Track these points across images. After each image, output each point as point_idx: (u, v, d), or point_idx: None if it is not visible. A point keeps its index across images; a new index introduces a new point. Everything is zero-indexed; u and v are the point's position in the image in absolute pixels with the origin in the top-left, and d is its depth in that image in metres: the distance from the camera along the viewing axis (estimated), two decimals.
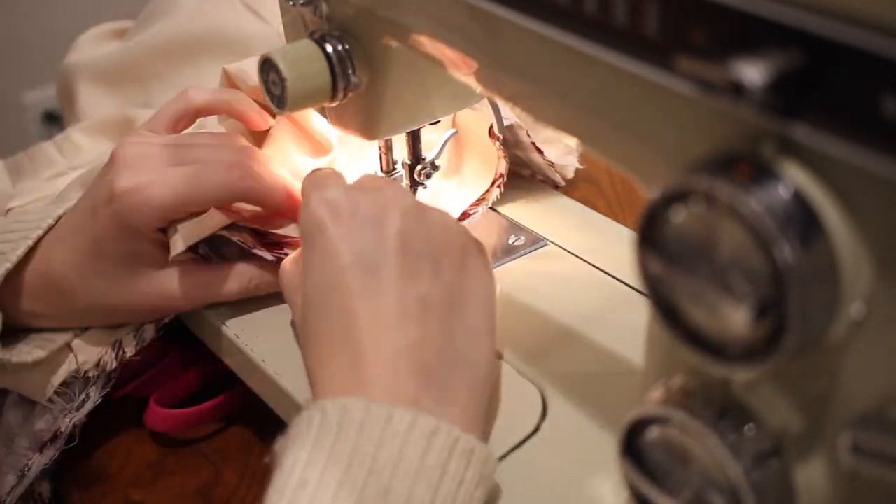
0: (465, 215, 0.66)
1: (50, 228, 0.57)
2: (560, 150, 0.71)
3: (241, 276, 0.59)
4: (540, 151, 0.69)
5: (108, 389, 0.59)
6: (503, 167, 0.67)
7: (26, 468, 0.57)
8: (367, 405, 0.41)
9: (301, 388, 0.55)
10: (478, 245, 0.51)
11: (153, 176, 0.55)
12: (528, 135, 0.68)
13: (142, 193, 0.55)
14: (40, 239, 0.57)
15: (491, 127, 0.66)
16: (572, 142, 0.72)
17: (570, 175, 0.72)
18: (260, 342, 0.58)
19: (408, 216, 0.48)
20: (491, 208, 0.69)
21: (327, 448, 0.40)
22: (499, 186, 0.67)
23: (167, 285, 0.58)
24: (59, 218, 0.58)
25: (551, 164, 0.70)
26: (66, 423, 0.58)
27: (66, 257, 0.57)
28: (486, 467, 0.43)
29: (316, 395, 0.46)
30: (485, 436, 0.48)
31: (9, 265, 0.55)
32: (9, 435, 0.58)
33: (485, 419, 0.48)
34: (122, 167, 0.56)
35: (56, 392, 0.57)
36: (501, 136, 0.66)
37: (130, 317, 0.60)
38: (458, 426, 0.43)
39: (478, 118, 0.67)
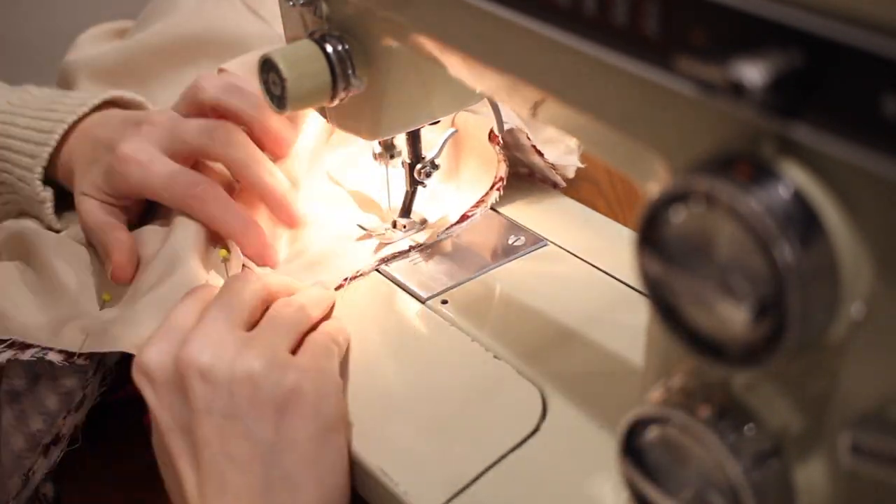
0: (464, 217, 0.66)
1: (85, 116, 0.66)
2: (561, 150, 0.71)
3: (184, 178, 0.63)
4: (540, 154, 0.69)
5: (105, 388, 0.59)
6: (503, 171, 0.67)
7: (30, 472, 0.57)
8: None
9: None
10: (297, 388, 0.49)
11: (152, 159, 0.63)
12: (529, 138, 0.68)
13: (128, 166, 0.62)
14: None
15: (491, 131, 0.66)
16: (572, 142, 0.72)
17: (571, 175, 0.72)
18: None
19: (205, 377, 0.48)
20: (491, 208, 0.69)
21: None
22: (498, 189, 0.67)
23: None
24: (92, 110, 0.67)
25: (552, 166, 0.70)
26: (67, 425, 0.58)
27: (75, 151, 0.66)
28: None
29: None
30: None
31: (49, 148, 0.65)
32: (6, 433, 0.58)
33: None
34: (135, 134, 0.63)
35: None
36: (501, 140, 0.66)
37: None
38: None
39: (477, 122, 0.67)
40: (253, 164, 0.63)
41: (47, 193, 0.66)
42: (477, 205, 0.67)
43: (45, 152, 0.65)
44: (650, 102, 0.35)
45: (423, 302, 0.61)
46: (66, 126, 0.66)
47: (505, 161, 0.67)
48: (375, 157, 0.64)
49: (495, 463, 0.49)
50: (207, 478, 0.47)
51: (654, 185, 0.38)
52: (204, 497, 0.47)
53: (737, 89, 0.28)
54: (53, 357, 0.55)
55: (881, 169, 0.28)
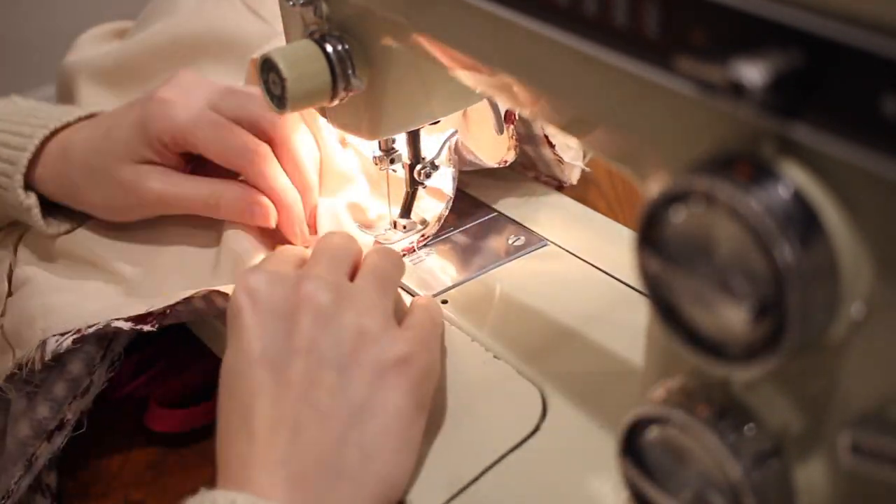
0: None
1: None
2: (569, 155, 0.71)
3: (209, 188, 0.63)
4: (552, 145, 0.69)
5: (112, 373, 0.59)
6: (511, 156, 0.68)
7: (34, 457, 0.57)
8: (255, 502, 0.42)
9: None
10: (406, 358, 0.48)
11: (191, 104, 0.62)
12: (542, 128, 0.68)
13: (171, 108, 0.61)
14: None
15: (508, 110, 0.66)
16: (573, 142, 0.72)
17: (574, 181, 0.72)
18: None
19: (319, 319, 0.47)
20: (491, 208, 0.69)
21: None
22: (503, 164, 0.68)
23: (145, 180, 0.63)
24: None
25: (560, 160, 0.70)
26: (73, 410, 0.58)
27: (85, 134, 0.64)
28: None
29: (218, 473, 0.46)
30: None
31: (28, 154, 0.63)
32: (13, 419, 0.58)
33: None
34: (176, 84, 0.63)
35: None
36: (510, 131, 0.67)
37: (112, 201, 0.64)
38: None
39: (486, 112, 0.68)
40: (276, 182, 0.62)
41: (31, 200, 0.65)
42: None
43: (24, 157, 0.64)
44: (650, 102, 0.35)
45: None
46: (46, 132, 0.64)
47: (515, 148, 0.67)
48: (375, 161, 0.64)
49: (495, 463, 0.49)
50: (283, 420, 0.45)
51: (654, 185, 0.38)
52: (274, 439, 0.45)
53: (737, 89, 0.28)
54: (121, 324, 0.56)
55: (881, 169, 0.28)
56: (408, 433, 0.47)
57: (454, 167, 0.66)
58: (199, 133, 0.61)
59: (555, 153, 0.69)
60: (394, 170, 0.65)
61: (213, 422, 0.56)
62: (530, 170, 0.73)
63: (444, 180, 0.66)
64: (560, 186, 0.72)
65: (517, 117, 0.66)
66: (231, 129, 0.61)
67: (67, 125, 0.66)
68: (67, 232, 0.67)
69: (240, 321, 0.48)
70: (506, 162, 0.68)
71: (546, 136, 0.69)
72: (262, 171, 0.61)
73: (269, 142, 0.63)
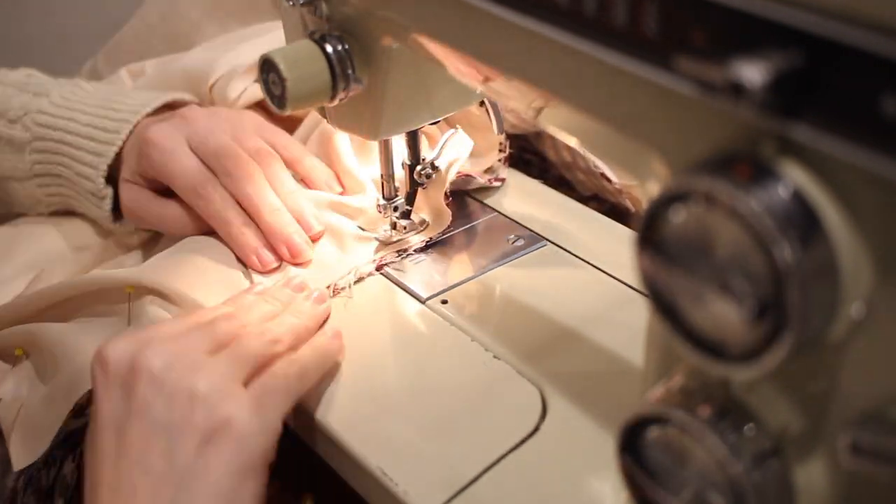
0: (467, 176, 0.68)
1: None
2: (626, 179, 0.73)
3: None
4: (608, 180, 0.70)
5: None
6: (501, 172, 0.69)
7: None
8: None
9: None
10: (228, 422, 0.48)
11: (172, 146, 0.66)
12: (596, 165, 0.70)
13: (152, 149, 0.65)
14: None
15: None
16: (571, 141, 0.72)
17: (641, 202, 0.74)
18: None
19: (153, 383, 0.48)
20: (491, 208, 0.69)
21: None
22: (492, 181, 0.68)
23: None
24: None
25: (620, 190, 0.71)
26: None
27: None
28: None
29: None
30: None
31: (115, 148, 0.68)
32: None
33: None
34: (167, 122, 0.67)
35: None
36: (505, 138, 0.67)
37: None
38: None
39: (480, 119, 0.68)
40: (259, 202, 0.64)
41: (108, 190, 0.69)
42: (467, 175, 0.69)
43: (112, 151, 0.68)
44: (650, 102, 0.35)
45: (423, 302, 0.61)
46: (130, 126, 0.68)
47: (504, 161, 0.68)
48: (379, 209, 0.65)
49: (495, 463, 0.49)
50: (122, 483, 0.47)
51: (654, 185, 0.38)
52: (114, 502, 0.47)
53: (737, 89, 0.28)
54: None
55: (881, 169, 0.28)
56: (238, 497, 0.48)
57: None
58: (173, 177, 0.66)
59: (612, 185, 0.70)
60: (396, 217, 0.65)
61: None
62: (588, 190, 0.74)
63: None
64: (627, 212, 0.73)
65: (502, 130, 0.66)
66: (198, 172, 0.65)
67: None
68: (128, 230, 0.71)
69: (94, 391, 0.50)
70: (494, 179, 0.69)
71: (602, 173, 0.70)
72: (211, 213, 0.65)
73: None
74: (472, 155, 0.70)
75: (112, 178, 0.69)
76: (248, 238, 0.63)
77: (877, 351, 0.31)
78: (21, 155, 0.71)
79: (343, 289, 0.62)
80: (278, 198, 0.65)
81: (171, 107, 0.71)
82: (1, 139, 0.71)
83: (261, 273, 0.63)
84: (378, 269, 0.64)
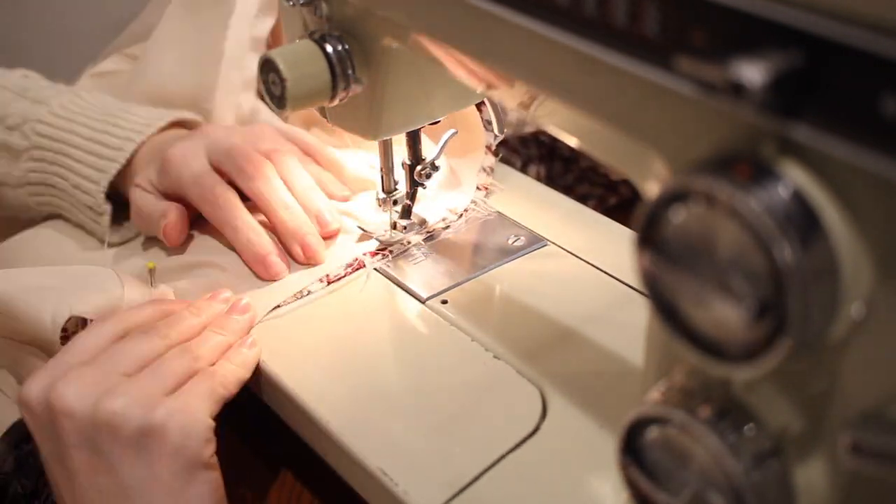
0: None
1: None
2: None
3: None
4: None
5: None
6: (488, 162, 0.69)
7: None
8: None
9: (300, 389, 0.55)
10: (155, 428, 0.49)
11: (191, 156, 0.66)
12: None
13: (172, 163, 0.65)
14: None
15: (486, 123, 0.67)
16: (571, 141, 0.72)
17: None
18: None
19: (72, 417, 0.50)
20: (491, 208, 0.69)
21: None
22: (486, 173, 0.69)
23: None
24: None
25: None
26: None
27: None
28: None
29: None
30: None
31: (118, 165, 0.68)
32: None
33: None
34: (188, 139, 0.67)
35: None
36: (498, 136, 0.67)
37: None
38: None
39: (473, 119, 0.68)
40: (271, 200, 0.64)
41: (108, 206, 0.68)
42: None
43: (114, 168, 0.68)
44: (650, 102, 0.35)
45: (423, 302, 0.61)
46: (134, 145, 0.68)
47: (491, 153, 0.69)
48: (378, 203, 0.65)
49: (495, 463, 0.49)
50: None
51: (654, 185, 0.38)
52: None
53: (737, 89, 0.28)
54: None
55: (881, 169, 0.28)
56: (189, 494, 0.50)
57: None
58: (186, 185, 0.65)
59: None
60: (397, 211, 0.65)
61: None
62: (624, 183, 0.75)
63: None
64: None
65: (502, 130, 0.67)
66: (208, 178, 0.65)
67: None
68: (127, 241, 0.70)
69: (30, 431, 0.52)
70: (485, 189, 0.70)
71: None
72: (220, 218, 0.65)
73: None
74: (468, 152, 0.70)
75: (110, 192, 0.69)
76: (257, 246, 0.63)
77: (877, 351, 0.31)
78: (16, 162, 0.71)
79: (339, 277, 0.62)
80: (293, 195, 0.65)
81: (178, 124, 0.72)
82: None
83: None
84: (377, 268, 0.64)
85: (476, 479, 0.48)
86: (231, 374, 0.55)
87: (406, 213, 0.66)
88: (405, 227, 0.66)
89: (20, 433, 0.57)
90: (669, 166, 0.35)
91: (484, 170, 0.69)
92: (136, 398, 0.50)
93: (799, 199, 0.30)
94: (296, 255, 0.64)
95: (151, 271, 0.62)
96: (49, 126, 0.70)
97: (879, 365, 0.31)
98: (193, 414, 0.51)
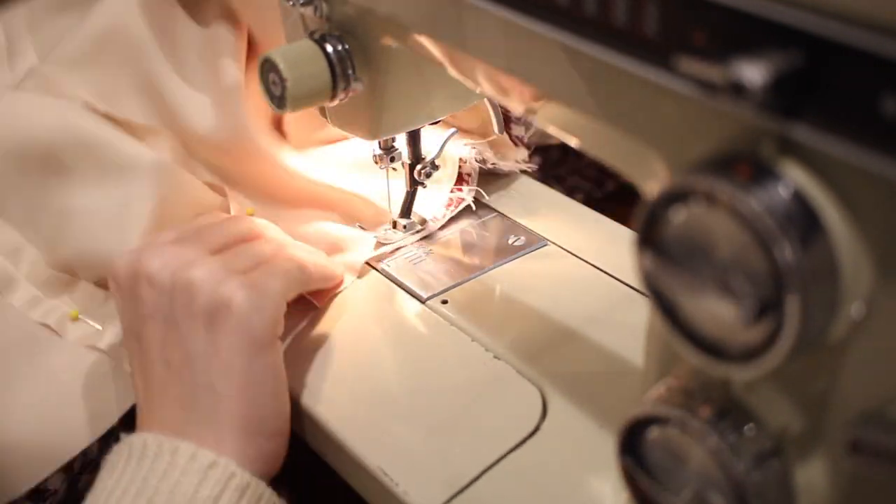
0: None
1: None
2: None
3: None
4: None
5: None
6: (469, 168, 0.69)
7: None
8: (160, 441, 0.48)
9: (300, 389, 0.55)
10: (226, 302, 0.50)
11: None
12: None
13: None
14: None
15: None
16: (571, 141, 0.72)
17: None
18: None
19: (152, 283, 0.51)
20: (491, 208, 0.69)
21: (124, 479, 0.47)
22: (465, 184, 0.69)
23: None
24: None
25: None
26: None
27: None
28: (261, 502, 0.48)
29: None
30: (265, 475, 0.50)
31: None
32: None
33: (266, 461, 0.50)
34: None
35: None
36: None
37: None
38: (236, 461, 0.47)
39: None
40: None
41: None
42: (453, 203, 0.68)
43: None
44: (650, 102, 0.35)
45: (423, 302, 0.61)
46: None
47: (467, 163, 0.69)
48: (375, 159, 0.64)
49: (495, 463, 0.49)
50: (151, 382, 0.51)
51: (654, 185, 0.38)
52: (149, 400, 0.51)
53: (737, 89, 0.28)
54: None
55: (881, 169, 0.28)
56: (251, 371, 0.50)
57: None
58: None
59: None
60: (394, 168, 0.65)
61: None
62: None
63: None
64: None
65: (502, 130, 0.66)
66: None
67: None
68: None
69: (115, 299, 0.54)
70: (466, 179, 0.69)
71: None
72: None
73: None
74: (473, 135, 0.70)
75: None
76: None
77: (877, 351, 0.31)
78: None
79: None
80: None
81: None
82: None
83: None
84: (377, 267, 0.64)
85: (476, 479, 0.48)
86: (314, 265, 0.56)
87: (406, 212, 0.66)
88: (405, 227, 0.66)
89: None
90: (669, 166, 0.35)
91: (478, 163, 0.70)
92: (214, 271, 0.51)
93: (799, 199, 0.30)
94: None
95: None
96: None
97: (879, 365, 0.31)
98: (264, 291, 0.51)
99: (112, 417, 0.57)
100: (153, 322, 0.51)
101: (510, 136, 0.70)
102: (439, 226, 0.67)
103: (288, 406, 0.52)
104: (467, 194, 0.68)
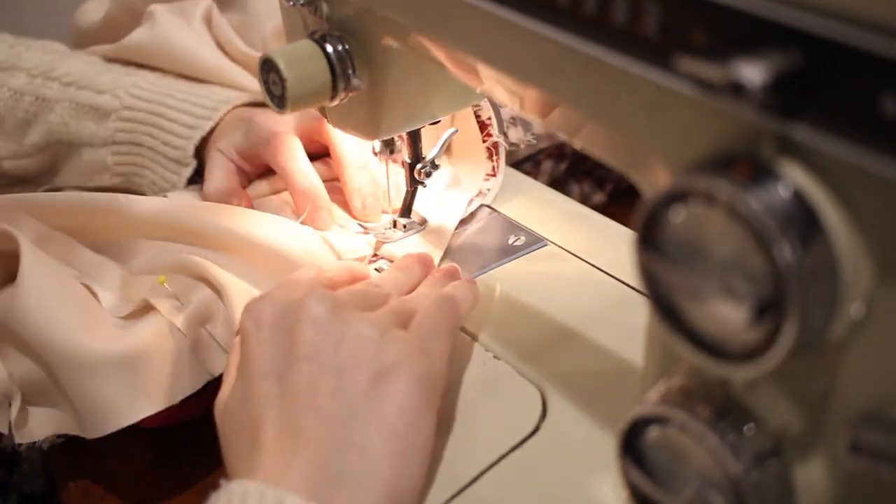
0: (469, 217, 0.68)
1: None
2: None
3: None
4: None
5: None
6: (490, 168, 0.69)
7: None
8: (263, 489, 0.43)
9: None
10: (399, 364, 0.48)
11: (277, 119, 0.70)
12: None
13: (259, 124, 0.71)
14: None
15: (482, 126, 0.67)
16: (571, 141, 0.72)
17: None
18: None
19: (319, 327, 0.49)
20: (491, 208, 0.69)
21: None
22: (491, 176, 0.69)
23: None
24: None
25: None
26: None
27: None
28: None
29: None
30: None
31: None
32: None
33: None
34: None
35: None
36: (498, 136, 0.67)
37: None
38: None
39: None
40: (347, 157, 0.68)
41: (194, 160, 0.73)
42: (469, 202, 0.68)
43: (208, 125, 0.73)
44: (650, 102, 0.35)
45: None
46: (228, 106, 0.74)
47: (494, 158, 0.68)
48: (375, 153, 0.64)
49: (495, 463, 0.49)
50: (288, 426, 0.46)
51: (654, 185, 0.38)
52: (278, 447, 0.46)
53: (737, 89, 0.28)
54: None
55: (881, 169, 0.28)
56: (410, 439, 0.47)
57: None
58: (266, 149, 0.69)
59: None
60: (394, 160, 0.65)
61: (202, 414, 0.57)
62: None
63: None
64: None
65: (502, 130, 0.67)
66: (284, 147, 0.69)
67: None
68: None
69: (246, 346, 0.49)
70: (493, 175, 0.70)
71: None
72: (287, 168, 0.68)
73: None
74: (465, 158, 0.70)
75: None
76: (314, 192, 0.67)
77: (877, 351, 0.31)
78: (104, 122, 0.75)
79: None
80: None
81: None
82: (84, 107, 0.75)
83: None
84: (377, 267, 0.64)
85: (476, 479, 0.48)
86: (460, 294, 0.55)
87: (406, 211, 0.66)
88: (405, 226, 0.66)
89: None
90: (669, 166, 0.35)
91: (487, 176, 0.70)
92: (384, 329, 0.49)
93: (799, 198, 0.30)
94: (354, 210, 0.67)
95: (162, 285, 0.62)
96: (144, 90, 0.75)
97: (879, 365, 0.31)
98: (433, 351, 0.50)
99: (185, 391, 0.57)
100: (308, 364, 0.47)
101: (489, 144, 0.70)
102: (470, 211, 0.68)
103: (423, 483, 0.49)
104: (493, 184, 0.69)
